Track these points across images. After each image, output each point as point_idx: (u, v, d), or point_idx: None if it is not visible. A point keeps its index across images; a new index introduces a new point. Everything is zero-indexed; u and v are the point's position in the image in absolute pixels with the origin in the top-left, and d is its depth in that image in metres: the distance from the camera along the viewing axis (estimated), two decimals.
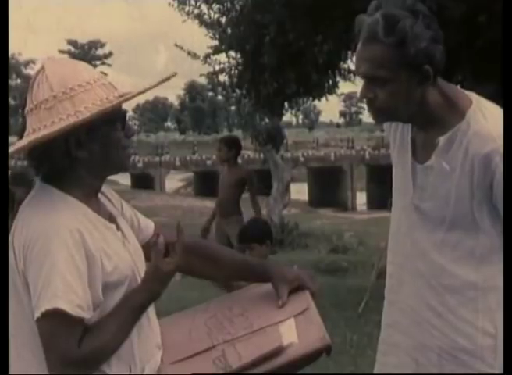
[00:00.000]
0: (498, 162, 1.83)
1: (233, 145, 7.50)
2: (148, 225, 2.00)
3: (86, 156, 1.73)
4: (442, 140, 1.92)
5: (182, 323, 1.93)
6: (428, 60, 1.85)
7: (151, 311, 1.83)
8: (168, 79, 1.80)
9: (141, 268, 1.83)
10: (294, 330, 1.77)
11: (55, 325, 1.61)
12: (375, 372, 2.16)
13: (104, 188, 1.88)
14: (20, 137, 1.75)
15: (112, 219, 1.82)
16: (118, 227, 1.82)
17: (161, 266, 1.74)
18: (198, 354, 1.77)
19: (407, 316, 2.02)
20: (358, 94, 1.97)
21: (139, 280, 1.79)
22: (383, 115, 1.99)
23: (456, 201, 1.91)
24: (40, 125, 1.69)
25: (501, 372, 1.87)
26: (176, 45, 9.85)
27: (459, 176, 1.90)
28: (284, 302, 1.88)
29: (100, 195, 1.85)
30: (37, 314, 1.60)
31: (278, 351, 1.71)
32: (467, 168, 1.88)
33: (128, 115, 1.86)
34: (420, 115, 1.94)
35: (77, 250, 1.63)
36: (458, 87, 2.12)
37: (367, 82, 1.91)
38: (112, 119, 1.74)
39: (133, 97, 1.76)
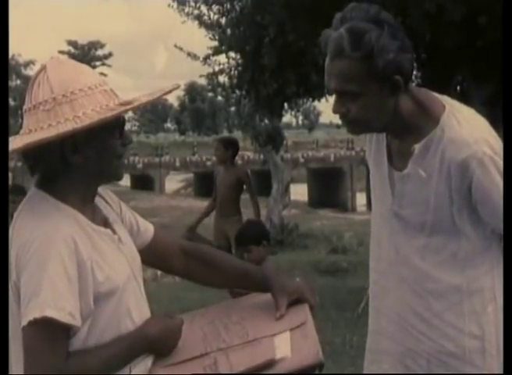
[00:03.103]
0: (475, 167, 1.83)
1: (230, 146, 7.52)
2: (148, 228, 1.98)
3: (81, 162, 1.70)
4: (417, 147, 1.91)
5: (194, 322, 1.92)
6: (398, 70, 1.84)
7: (143, 314, 1.81)
8: (170, 91, 1.79)
9: (137, 270, 1.82)
10: (288, 343, 1.75)
11: (43, 333, 1.58)
12: None
13: (103, 191, 1.87)
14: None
15: (107, 223, 1.80)
16: (114, 231, 1.80)
17: (175, 340, 1.78)
18: (191, 360, 1.76)
19: (393, 322, 2.02)
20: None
21: (135, 283, 1.79)
22: (358, 127, 1.98)
23: (436, 207, 1.91)
24: (37, 126, 1.67)
25: (490, 372, 1.89)
26: (176, 46, 9.85)
27: (437, 182, 1.90)
28: (282, 314, 1.85)
29: (97, 199, 1.83)
30: (24, 322, 1.57)
31: (269, 364, 1.69)
32: (444, 174, 1.88)
33: (128, 116, 1.86)
34: (394, 123, 1.94)
35: (70, 258, 1.61)
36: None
37: (338, 97, 1.90)
38: (110, 126, 1.70)
39: (133, 108, 1.72)
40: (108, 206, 1.87)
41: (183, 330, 1.83)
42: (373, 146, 2.09)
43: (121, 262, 1.76)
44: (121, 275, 1.73)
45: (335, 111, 1.93)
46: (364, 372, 2.15)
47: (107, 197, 1.89)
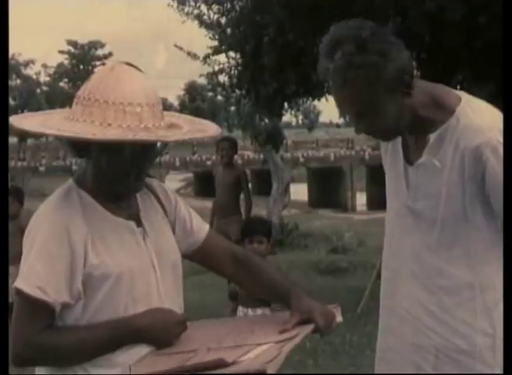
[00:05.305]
0: (488, 154, 1.82)
1: (235, 146, 7.58)
2: (202, 229, 2.03)
3: (91, 158, 1.81)
4: (432, 137, 1.91)
5: (216, 326, 1.98)
6: (401, 72, 1.84)
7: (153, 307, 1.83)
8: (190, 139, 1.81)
9: (164, 264, 1.86)
10: (259, 353, 1.73)
11: (19, 303, 1.72)
12: None
13: (158, 186, 1.96)
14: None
15: (135, 217, 1.86)
16: (139, 224, 1.86)
17: (169, 334, 1.80)
18: (178, 353, 1.76)
19: (403, 318, 2.01)
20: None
21: (153, 275, 1.83)
22: (387, 135, 2.01)
23: (448, 197, 1.89)
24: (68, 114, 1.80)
25: (500, 371, 1.85)
26: (176, 46, 9.82)
27: (449, 171, 1.89)
28: (285, 329, 1.83)
29: (145, 192, 1.91)
30: None
31: (217, 365, 1.66)
32: (457, 162, 1.87)
33: None
34: (411, 119, 1.93)
35: (57, 240, 1.72)
36: (458, 87, 2.13)
37: (358, 117, 1.91)
38: (116, 144, 1.72)
39: (103, 141, 1.71)
40: (154, 201, 1.93)
41: (208, 327, 1.90)
42: (389, 144, 2.09)
43: (133, 253, 1.81)
44: (122, 263, 1.77)
45: (359, 132, 1.95)
46: (375, 370, 2.14)
47: (160, 193, 1.96)
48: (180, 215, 1.98)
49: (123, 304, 1.77)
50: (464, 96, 1.95)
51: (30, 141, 61.95)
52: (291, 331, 1.82)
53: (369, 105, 1.86)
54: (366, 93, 1.84)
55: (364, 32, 1.82)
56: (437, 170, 1.91)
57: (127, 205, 1.87)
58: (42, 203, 1.83)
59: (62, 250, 1.72)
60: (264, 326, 1.90)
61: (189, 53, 9.57)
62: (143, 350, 1.78)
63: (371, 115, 1.88)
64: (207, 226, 2.06)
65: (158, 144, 1.83)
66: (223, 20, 8.72)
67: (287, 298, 1.95)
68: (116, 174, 1.79)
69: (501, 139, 1.81)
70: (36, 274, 1.70)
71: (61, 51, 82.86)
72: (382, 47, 1.82)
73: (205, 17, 8.98)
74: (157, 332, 1.78)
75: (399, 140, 2.04)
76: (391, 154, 2.08)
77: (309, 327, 1.86)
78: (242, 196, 7.67)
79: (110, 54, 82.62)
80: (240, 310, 4.19)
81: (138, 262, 1.81)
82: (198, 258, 2.04)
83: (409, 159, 2.01)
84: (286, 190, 16.17)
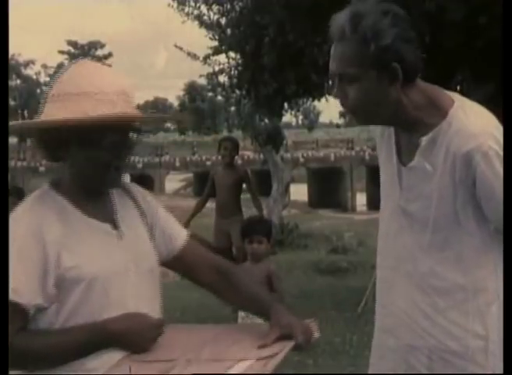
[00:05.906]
0: (479, 160, 1.82)
1: (237, 147, 7.58)
2: (179, 236, 2.02)
3: (68, 159, 1.80)
4: (424, 140, 1.91)
5: (196, 333, 1.97)
6: (396, 58, 1.84)
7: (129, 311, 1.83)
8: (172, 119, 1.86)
9: (141, 268, 1.85)
10: (242, 370, 1.72)
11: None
12: None
13: (138, 191, 1.96)
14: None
15: (111, 219, 1.85)
16: (115, 227, 1.84)
17: (144, 338, 1.79)
18: (156, 362, 1.74)
19: (398, 318, 2.01)
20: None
21: (127, 279, 1.81)
22: (359, 115, 1.97)
23: (439, 200, 1.89)
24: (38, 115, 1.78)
25: (494, 372, 1.88)
26: (176, 46, 9.84)
27: (440, 175, 1.88)
28: (263, 344, 1.82)
29: (122, 195, 1.91)
30: None
31: None
32: (448, 167, 1.87)
33: None
34: (401, 117, 1.93)
35: (31, 242, 1.71)
36: (458, 87, 2.13)
37: (338, 81, 1.90)
38: (94, 135, 1.75)
39: (90, 120, 1.72)
40: (132, 205, 1.92)
41: (186, 333, 1.87)
42: (384, 143, 2.08)
43: (108, 255, 1.80)
44: (96, 266, 1.76)
45: (335, 95, 1.93)
46: (370, 369, 2.14)
47: (139, 197, 1.96)
48: (160, 220, 1.98)
49: (98, 307, 1.75)
50: (458, 99, 1.94)
51: (30, 141, 61.90)
52: (271, 348, 1.81)
53: (351, 67, 1.85)
54: (352, 54, 1.85)
55: (380, 7, 1.85)
56: (429, 173, 1.90)
57: (103, 208, 1.86)
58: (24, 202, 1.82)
59: (36, 251, 1.71)
60: (244, 340, 1.89)
61: (189, 53, 9.58)
62: (116, 355, 1.76)
63: (350, 80, 1.87)
64: (185, 235, 2.04)
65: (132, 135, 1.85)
66: (223, 21, 8.73)
67: (267, 312, 1.95)
68: (96, 168, 1.79)
69: (493, 144, 1.81)
70: (12, 276, 1.67)
71: (61, 52, 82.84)
72: (381, 26, 1.82)
73: (205, 17, 8.99)
74: (131, 336, 1.76)
75: (392, 140, 2.04)
76: (385, 153, 2.08)
77: (290, 344, 1.85)
78: (242, 196, 7.67)
79: (110, 54, 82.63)
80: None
81: (113, 265, 1.79)
82: (178, 266, 2.03)
83: (402, 159, 2.00)
84: (286, 190, 16.17)
